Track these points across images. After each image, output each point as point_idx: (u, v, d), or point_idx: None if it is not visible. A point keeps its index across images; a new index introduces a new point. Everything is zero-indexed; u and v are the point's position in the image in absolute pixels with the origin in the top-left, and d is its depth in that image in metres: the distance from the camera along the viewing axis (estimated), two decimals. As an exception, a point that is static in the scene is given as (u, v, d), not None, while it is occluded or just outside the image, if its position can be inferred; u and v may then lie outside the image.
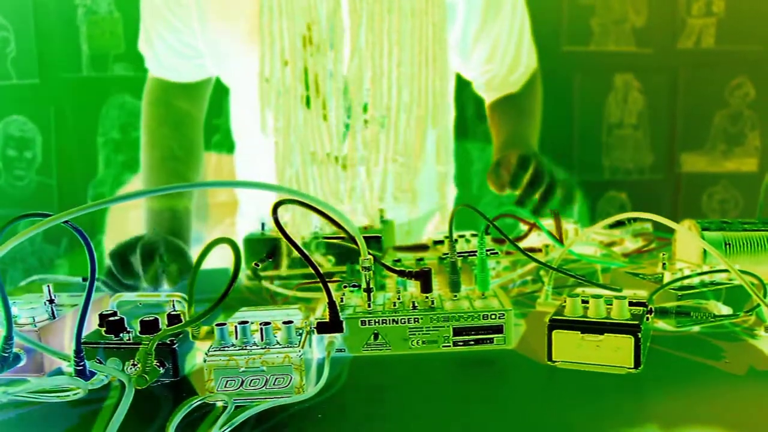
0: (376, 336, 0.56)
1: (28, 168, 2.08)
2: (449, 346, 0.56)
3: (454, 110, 1.18)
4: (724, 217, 0.74)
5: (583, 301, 0.53)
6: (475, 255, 0.64)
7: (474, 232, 0.83)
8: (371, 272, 0.57)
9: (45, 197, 2.08)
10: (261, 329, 0.49)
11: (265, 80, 0.98)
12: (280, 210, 0.53)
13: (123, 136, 2.06)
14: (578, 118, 2.13)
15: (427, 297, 0.58)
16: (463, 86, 1.22)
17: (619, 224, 0.88)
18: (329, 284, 0.53)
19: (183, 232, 1.00)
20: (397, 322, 0.56)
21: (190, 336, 0.54)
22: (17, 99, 2.04)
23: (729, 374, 0.50)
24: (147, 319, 0.53)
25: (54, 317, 0.56)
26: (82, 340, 0.51)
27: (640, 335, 0.49)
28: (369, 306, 0.57)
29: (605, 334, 0.50)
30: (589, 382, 0.49)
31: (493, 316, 0.56)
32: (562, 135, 2.12)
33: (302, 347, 0.48)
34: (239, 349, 0.48)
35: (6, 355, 0.50)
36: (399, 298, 0.58)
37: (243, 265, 0.68)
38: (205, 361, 0.47)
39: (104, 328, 0.53)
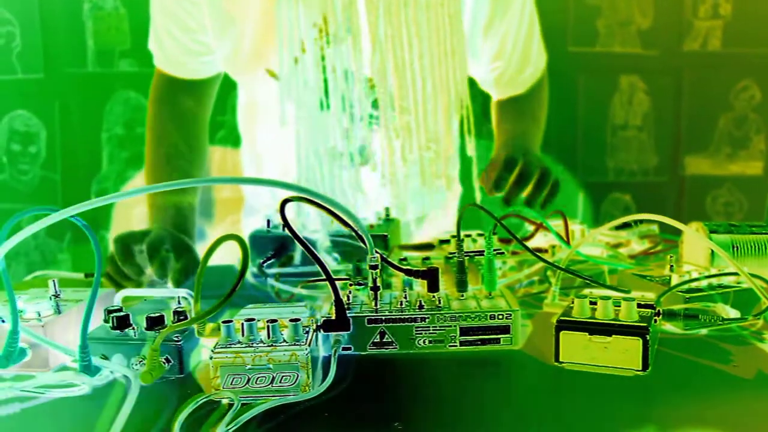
0: (382, 335, 0.56)
1: (32, 163, 2.08)
2: (456, 345, 0.56)
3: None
4: (728, 220, 0.73)
5: (591, 303, 0.53)
6: (482, 255, 0.64)
7: (480, 232, 0.83)
8: (378, 271, 0.57)
9: (49, 192, 2.08)
10: (268, 327, 0.49)
11: (284, 71, 0.98)
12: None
13: (127, 132, 2.06)
14: (583, 119, 2.13)
15: (434, 296, 0.58)
16: (468, 85, 1.22)
17: (625, 226, 0.88)
18: (336, 282, 0.53)
19: (187, 229, 1.00)
20: (403, 322, 0.56)
21: (196, 333, 0.54)
22: (22, 94, 2.04)
23: (737, 378, 0.49)
24: (153, 315, 0.53)
25: (59, 312, 0.56)
26: (88, 336, 0.51)
27: (648, 337, 0.49)
28: (376, 305, 0.57)
29: (613, 335, 0.50)
30: (597, 384, 0.49)
31: (501, 316, 0.55)
32: (567, 136, 2.12)
33: (309, 345, 0.48)
34: (246, 347, 0.48)
35: (12, 349, 0.50)
36: (406, 297, 0.58)
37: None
38: (211, 358, 0.47)
39: (110, 324, 0.53)
